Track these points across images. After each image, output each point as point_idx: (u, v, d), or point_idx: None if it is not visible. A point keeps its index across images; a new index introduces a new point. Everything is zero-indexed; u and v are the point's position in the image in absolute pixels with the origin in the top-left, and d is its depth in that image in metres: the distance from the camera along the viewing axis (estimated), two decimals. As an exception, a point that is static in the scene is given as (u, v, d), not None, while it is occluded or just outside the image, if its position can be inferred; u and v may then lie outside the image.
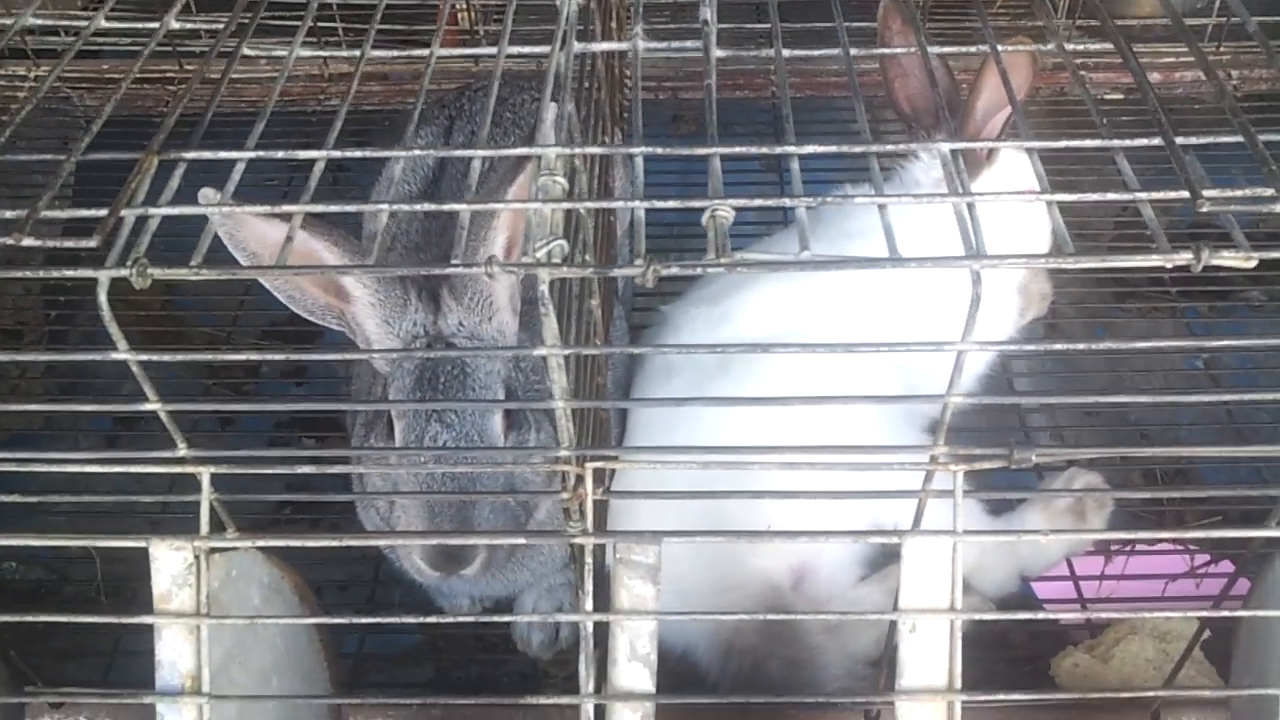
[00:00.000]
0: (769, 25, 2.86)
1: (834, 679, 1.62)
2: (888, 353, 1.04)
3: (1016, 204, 1.94)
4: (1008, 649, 1.87)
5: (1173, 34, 2.78)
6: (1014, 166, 2.02)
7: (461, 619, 1.31)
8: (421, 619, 1.22)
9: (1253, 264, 0.97)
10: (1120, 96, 2.95)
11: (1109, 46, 1.21)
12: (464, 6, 2.74)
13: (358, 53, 1.23)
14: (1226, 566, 2.03)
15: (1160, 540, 1.94)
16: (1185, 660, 1.43)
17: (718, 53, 1.21)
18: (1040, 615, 1.24)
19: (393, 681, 2.02)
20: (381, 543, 1.49)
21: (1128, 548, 2.00)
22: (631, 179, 2.08)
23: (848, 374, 1.65)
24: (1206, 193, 0.99)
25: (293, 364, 2.52)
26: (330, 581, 2.12)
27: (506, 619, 1.37)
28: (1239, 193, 0.99)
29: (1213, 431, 2.26)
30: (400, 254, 1.82)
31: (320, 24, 2.73)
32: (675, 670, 1.77)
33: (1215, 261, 0.97)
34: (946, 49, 1.34)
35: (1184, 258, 0.98)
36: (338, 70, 2.78)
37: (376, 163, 2.08)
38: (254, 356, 1.03)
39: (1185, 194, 0.99)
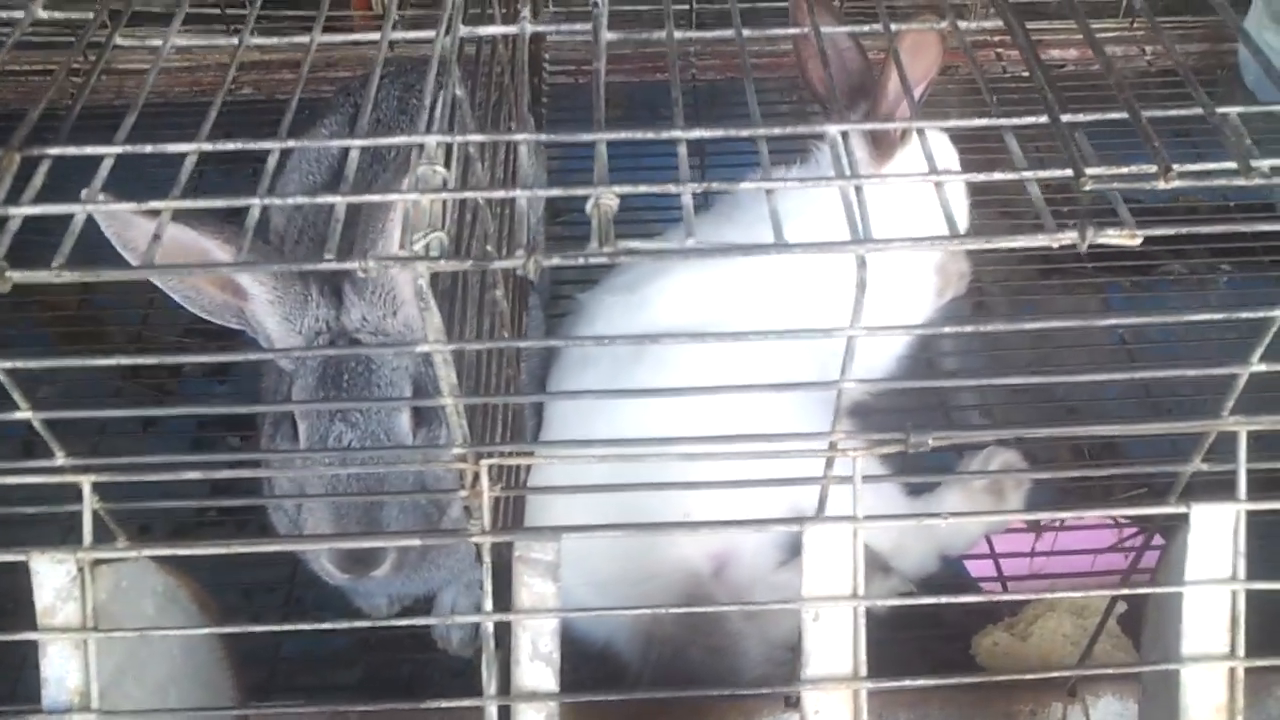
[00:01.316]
0: (686, 6, 2.84)
1: (755, 665, 1.62)
2: (777, 339, 1.03)
3: (927, 185, 1.94)
4: (940, 626, 1.88)
5: (1096, 10, 2.81)
6: (933, 148, 2.01)
7: (379, 623, 1.28)
8: (328, 626, 1.18)
9: (1137, 241, 0.97)
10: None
11: (1029, 24, 1.19)
12: (378, -10, 2.69)
13: (235, 40, 1.19)
14: (1157, 539, 2.06)
15: (1076, 517, 1.96)
16: (1098, 636, 1.44)
17: (608, 35, 1.18)
18: (945, 600, 1.24)
19: (322, 684, 1.99)
20: (279, 546, 1.46)
21: (1056, 523, 2.01)
22: (534, 168, 2.06)
23: (764, 361, 1.63)
24: (1090, 170, 0.98)
25: (215, 363, 2.48)
26: (258, 584, 2.08)
27: (419, 621, 1.34)
28: (1122, 170, 0.98)
29: (1135, 406, 2.28)
30: (307, 248, 1.78)
31: (231, 9, 2.67)
32: (598, 662, 1.77)
33: (1100, 240, 0.97)
34: (846, 28, 1.33)
35: (1069, 237, 0.97)
36: (249, 58, 2.71)
37: (286, 155, 2.04)
38: (124, 360, 0.99)
39: (1069, 172, 0.99)
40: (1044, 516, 1.83)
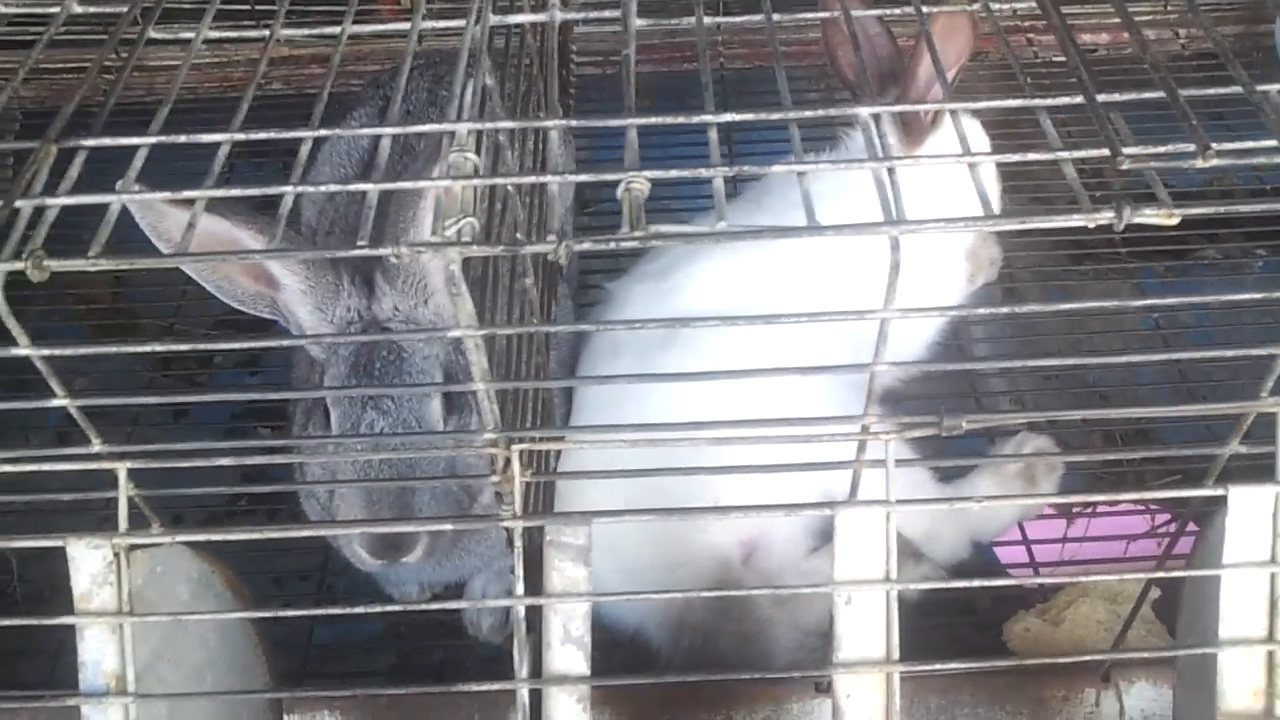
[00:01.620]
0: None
1: (785, 651, 1.62)
2: (809, 323, 1.02)
3: (960, 168, 1.93)
4: (972, 614, 1.87)
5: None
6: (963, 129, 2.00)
7: (409, 608, 1.29)
8: (360, 610, 1.19)
9: (1175, 221, 0.95)
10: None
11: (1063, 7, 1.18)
12: (405, -19, 2.69)
13: (266, 33, 1.20)
14: (1191, 525, 2.05)
15: (1114, 501, 1.94)
16: (1132, 621, 1.43)
17: (637, 23, 1.18)
18: (978, 583, 1.23)
19: (355, 670, 2.00)
20: (310, 531, 1.47)
21: (1089, 509, 2.00)
22: (562, 156, 2.06)
23: (795, 347, 1.63)
24: (1127, 150, 0.97)
25: (247, 353, 2.50)
26: (290, 572, 2.10)
27: (449, 606, 1.35)
28: (1159, 150, 0.97)
29: (1168, 391, 2.26)
30: (339, 238, 1.79)
31: (260, 4, 2.68)
32: (629, 649, 1.77)
33: (1137, 220, 0.95)
34: (875, 11, 1.32)
35: (1106, 216, 0.96)
36: (278, 54, 2.72)
37: (317, 146, 2.05)
38: (158, 348, 1.00)
39: (1106, 152, 0.98)
40: (1077, 500, 1.81)
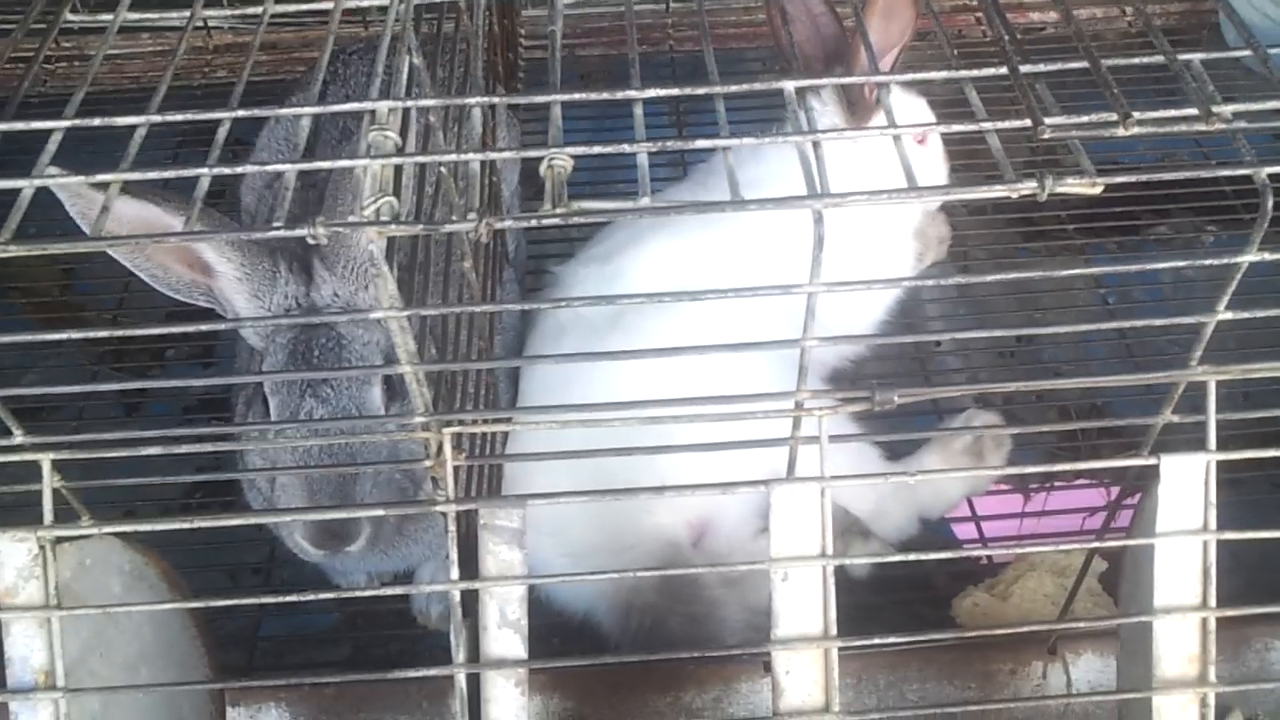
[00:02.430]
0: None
1: (735, 632, 1.61)
2: (739, 300, 1.02)
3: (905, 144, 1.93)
4: (929, 589, 1.88)
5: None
6: (904, 108, 2.00)
7: (350, 594, 1.27)
8: (294, 598, 1.17)
9: (1098, 190, 0.95)
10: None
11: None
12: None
13: (187, 13, 1.18)
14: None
15: (1053, 474, 1.95)
16: (1075, 594, 1.44)
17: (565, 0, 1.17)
18: (912, 557, 1.23)
19: (307, 663, 1.98)
20: (243, 520, 1.45)
21: (1045, 484, 2.01)
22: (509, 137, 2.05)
23: (738, 328, 1.62)
24: (1049, 120, 0.97)
25: (200, 345, 2.47)
26: (242, 565, 2.08)
27: (389, 592, 1.34)
28: (1081, 119, 0.97)
29: (1119, 366, 2.27)
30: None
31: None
32: (579, 632, 1.76)
33: (1060, 189, 0.96)
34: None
35: (1029, 187, 0.96)
36: (222, 41, 2.69)
37: (253, 137, 2.02)
38: (85, 335, 0.98)
39: (1028, 122, 0.98)
40: (1015, 472, 1.83)
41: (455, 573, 1.10)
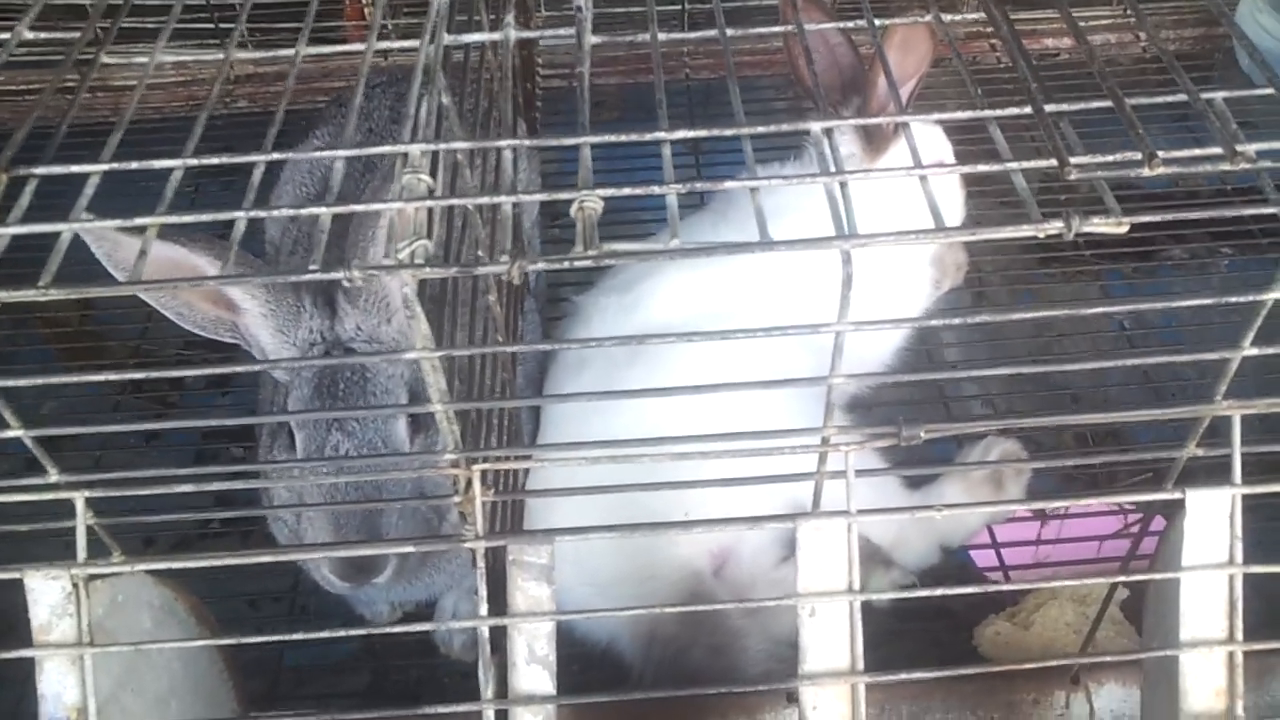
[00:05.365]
0: (677, 7, 2.83)
1: (758, 663, 1.61)
2: (768, 337, 1.03)
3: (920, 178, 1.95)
4: (949, 617, 1.88)
5: None
6: (922, 136, 2.01)
7: (375, 631, 1.28)
8: (325, 635, 1.18)
9: (1124, 229, 0.96)
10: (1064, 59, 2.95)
11: (1021, 14, 1.19)
12: (368, 0, 2.68)
13: (221, 55, 1.19)
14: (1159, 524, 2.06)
15: (1071, 504, 1.95)
16: (1098, 624, 1.44)
17: (592, 39, 1.19)
18: (939, 591, 1.23)
19: (330, 692, 1.99)
20: (274, 556, 1.46)
21: (1061, 510, 2.01)
22: (529, 172, 2.06)
23: (760, 361, 1.63)
24: (1074, 159, 0.98)
25: (217, 375, 2.48)
26: (264, 593, 2.09)
27: (416, 627, 1.34)
28: (1107, 158, 0.98)
29: (1137, 392, 2.28)
30: (302, 258, 1.78)
31: (224, 24, 2.67)
32: (601, 663, 1.77)
33: (1086, 229, 0.96)
34: (829, 25, 1.33)
35: (1055, 226, 0.97)
36: (243, 71, 2.72)
37: (278, 167, 2.04)
38: (115, 376, 0.99)
39: (1054, 162, 0.98)
40: (1038, 505, 1.82)
41: (485, 609, 1.11)
